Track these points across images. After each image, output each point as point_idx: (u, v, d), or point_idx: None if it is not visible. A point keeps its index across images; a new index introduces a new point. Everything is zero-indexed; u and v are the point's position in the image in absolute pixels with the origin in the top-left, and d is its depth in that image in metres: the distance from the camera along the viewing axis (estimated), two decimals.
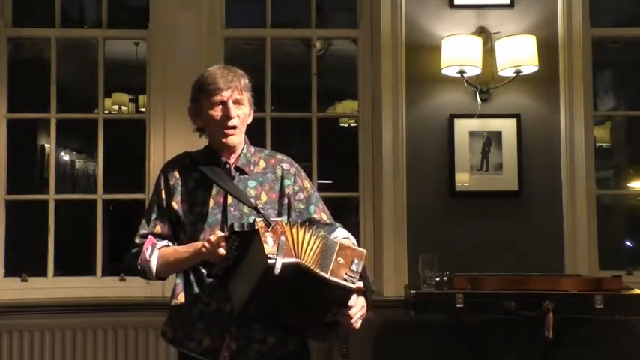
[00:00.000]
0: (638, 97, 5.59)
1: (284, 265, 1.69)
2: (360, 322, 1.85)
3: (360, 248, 1.83)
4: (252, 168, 2.11)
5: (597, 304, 2.97)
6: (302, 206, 2.10)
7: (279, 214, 2.05)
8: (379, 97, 3.68)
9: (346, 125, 6.21)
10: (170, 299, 2.09)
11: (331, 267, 1.74)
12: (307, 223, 1.95)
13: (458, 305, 3.03)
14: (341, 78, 4.56)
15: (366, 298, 1.87)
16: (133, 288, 3.66)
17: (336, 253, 1.77)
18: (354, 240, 2.10)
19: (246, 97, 2.08)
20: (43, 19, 3.94)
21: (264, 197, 2.07)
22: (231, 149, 2.09)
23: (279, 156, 2.18)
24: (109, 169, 3.83)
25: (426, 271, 3.19)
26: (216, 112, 2.05)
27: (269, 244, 1.71)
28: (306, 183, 2.15)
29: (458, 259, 3.43)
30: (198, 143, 4.01)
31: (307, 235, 1.80)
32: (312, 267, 1.73)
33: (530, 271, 3.35)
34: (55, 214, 3.73)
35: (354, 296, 1.81)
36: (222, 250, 1.83)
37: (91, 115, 4.03)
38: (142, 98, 6.18)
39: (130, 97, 6.64)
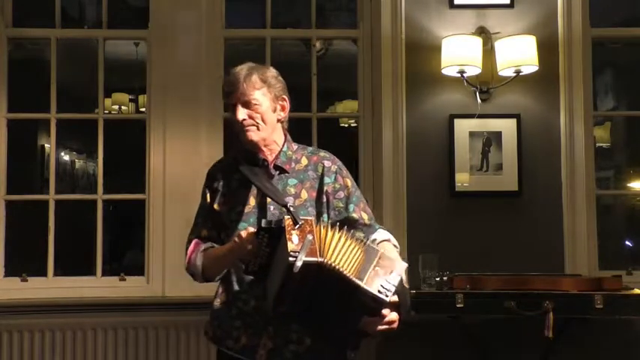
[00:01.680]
0: (638, 97, 5.59)
1: (306, 264, 1.68)
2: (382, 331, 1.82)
3: (401, 262, 1.80)
4: (293, 165, 2.10)
5: (597, 304, 2.96)
6: (342, 205, 2.08)
7: (319, 213, 2.04)
8: (379, 97, 3.67)
9: (346, 125, 6.22)
10: (213, 299, 2.11)
11: (367, 276, 1.71)
12: (345, 227, 1.89)
13: (458, 305, 3.03)
14: (341, 78, 4.57)
15: (399, 314, 1.84)
16: (133, 288, 3.66)
17: (374, 262, 1.74)
18: (395, 241, 2.08)
19: (259, 94, 2.03)
20: (43, 19, 3.94)
21: (304, 195, 2.05)
22: (258, 146, 2.06)
23: (322, 153, 2.16)
24: (109, 169, 3.82)
25: (426, 271, 3.19)
26: (231, 115, 2.07)
27: (293, 242, 1.71)
28: (348, 181, 2.12)
29: (458, 259, 3.43)
30: (198, 143, 4.02)
31: (338, 236, 1.77)
32: (339, 268, 1.71)
33: (530, 271, 3.35)
34: (55, 214, 3.74)
35: (387, 310, 1.78)
36: (249, 246, 1.84)
37: (91, 115, 4.04)
38: (142, 98, 6.19)
39: (130, 97, 6.65)
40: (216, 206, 2.09)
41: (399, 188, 3.60)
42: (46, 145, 6.05)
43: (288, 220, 1.76)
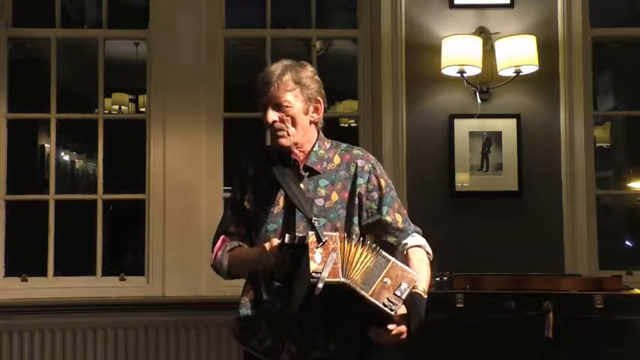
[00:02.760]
0: (638, 97, 5.59)
1: (327, 285, 1.66)
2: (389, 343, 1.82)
3: (411, 272, 1.79)
4: (324, 165, 2.03)
5: (597, 304, 2.97)
6: (374, 206, 2.03)
7: (349, 214, 2.00)
8: (379, 97, 3.68)
9: (346, 125, 6.21)
10: (240, 297, 2.08)
11: (374, 287, 1.71)
12: (369, 241, 1.85)
13: (458, 305, 3.03)
14: (341, 78, 4.56)
15: (409, 326, 1.83)
16: (132, 288, 3.66)
17: (384, 273, 1.73)
18: (428, 248, 2.07)
19: (290, 96, 1.96)
20: (43, 19, 3.94)
21: (335, 197, 2.00)
22: (290, 150, 2.01)
23: (356, 151, 2.08)
24: (109, 169, 3.83)
25: None
26: (262, 116, 2.00)
27: (316, 262, 1.69)
28: (382, 181, 2.05)
29: (458, 259, 3.42)
30: (198, 143, 4.01)
31: (360, 252, 1.76)
32: (356, 287, 1.71)
33: (530, 271, 3.35)
34: (55, 214, 3.73)
35: (392, 325, 1.78)
36: (272, 259, 1.83)
37: (91, 115, 4.04)
38: (142, 98, 6.19)
39: (130, 97, 6.66)
40: (246, 204, 2.05)
41: (399, 188, 3.57)
42: (46, 145, 6.04)
43: (311, 237, 1.73)
